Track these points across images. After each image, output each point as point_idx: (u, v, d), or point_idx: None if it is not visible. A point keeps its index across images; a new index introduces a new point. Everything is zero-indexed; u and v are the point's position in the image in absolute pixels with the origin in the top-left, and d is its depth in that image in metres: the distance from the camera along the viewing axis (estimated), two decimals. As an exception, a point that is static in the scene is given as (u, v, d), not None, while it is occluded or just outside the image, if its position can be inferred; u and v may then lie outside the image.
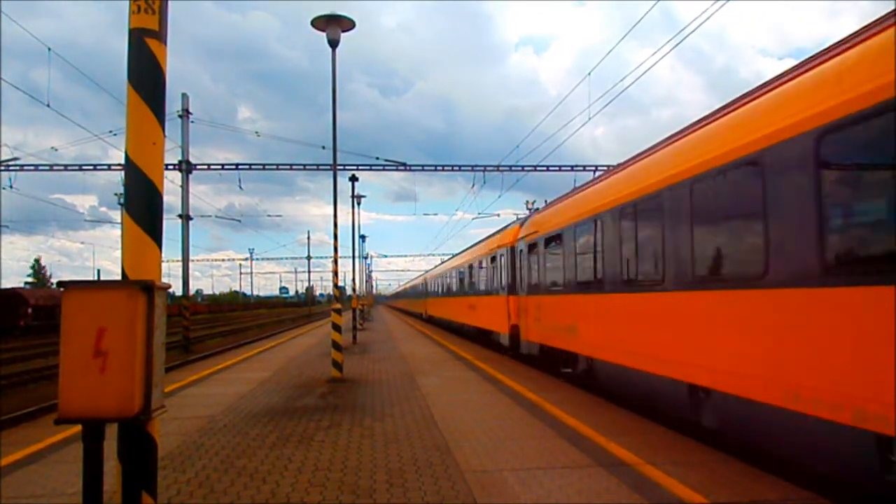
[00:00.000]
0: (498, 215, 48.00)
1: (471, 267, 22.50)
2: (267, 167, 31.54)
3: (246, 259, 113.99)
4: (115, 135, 25.74)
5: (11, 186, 27.82)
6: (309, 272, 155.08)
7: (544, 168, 30.37)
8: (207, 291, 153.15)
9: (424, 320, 41.69)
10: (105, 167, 31.07)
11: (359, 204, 30.79)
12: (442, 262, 39.46)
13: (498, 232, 19.31)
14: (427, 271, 49.74)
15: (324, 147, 27.81)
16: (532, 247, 14.12)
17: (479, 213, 35.15)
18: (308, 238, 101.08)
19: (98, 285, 3.35)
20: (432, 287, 37.45)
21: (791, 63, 5.71)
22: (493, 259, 18.12)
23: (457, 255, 31.16)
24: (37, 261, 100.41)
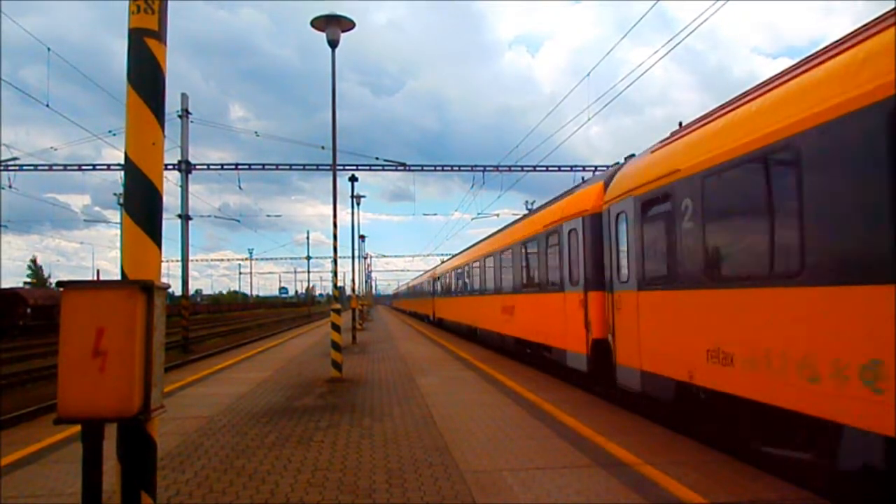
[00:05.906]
0: (497, 215, 48.21)
1: (423, 281, 38.92)
2: (266, 167, 31.48)
3: (244, 259, 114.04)
4: (114, 134, 25.74)
5: (10, 186, 27.86)
6: (308, 272, 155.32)
7: (543, 168, 30.42)
8: (206, 291, 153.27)
9: (407, 314, 58.83)
10: (104, 167, 31.05)
11: (358, 204, 30.79)
12: (416, 277, 60.66)
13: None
14: (410, 280, 71.91)
15: (322, 147, 27.80)
16: (437, 279, 30.71)
17: (479, 214, 35.52)
18: (308, 238, 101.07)
19: (97, 285, 3.35)
20: (409, 294, 59.29)
21: (787, 62, 5.77)
22: (429, 283, 31.80)
23: (419, 275, 52.06)
24: (33, 261, 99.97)
